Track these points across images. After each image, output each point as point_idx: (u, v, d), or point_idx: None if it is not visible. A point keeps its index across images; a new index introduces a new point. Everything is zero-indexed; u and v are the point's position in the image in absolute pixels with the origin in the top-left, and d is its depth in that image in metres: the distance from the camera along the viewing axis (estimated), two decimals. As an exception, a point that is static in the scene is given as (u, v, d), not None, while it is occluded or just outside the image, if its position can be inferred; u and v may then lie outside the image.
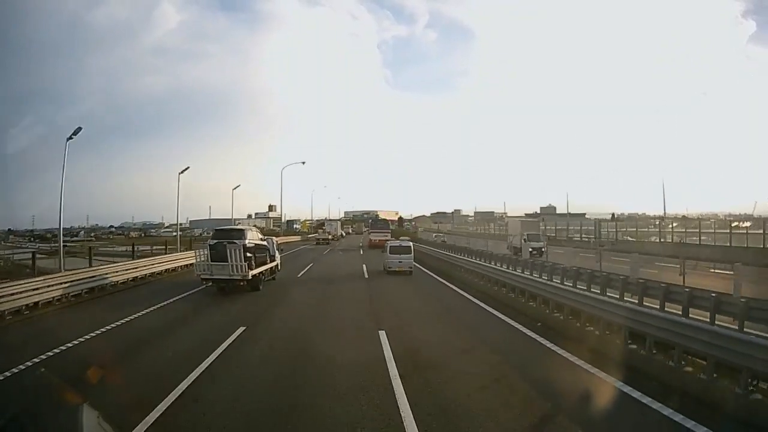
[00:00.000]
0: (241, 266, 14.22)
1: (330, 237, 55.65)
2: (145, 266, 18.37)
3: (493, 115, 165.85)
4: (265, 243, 17.13)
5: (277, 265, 18.58)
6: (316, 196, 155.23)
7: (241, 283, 14.51)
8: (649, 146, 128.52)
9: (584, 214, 61.14)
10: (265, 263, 16.63)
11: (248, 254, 14.81)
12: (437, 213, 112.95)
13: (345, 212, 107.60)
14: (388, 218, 77.94)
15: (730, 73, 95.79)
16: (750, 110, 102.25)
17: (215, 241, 15.15)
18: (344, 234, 71.07)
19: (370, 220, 68.38)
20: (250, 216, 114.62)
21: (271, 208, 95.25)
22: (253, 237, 15.91)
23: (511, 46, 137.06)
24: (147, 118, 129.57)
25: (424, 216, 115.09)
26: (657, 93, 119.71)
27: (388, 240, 28.16)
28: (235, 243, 14.59)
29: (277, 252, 18.74)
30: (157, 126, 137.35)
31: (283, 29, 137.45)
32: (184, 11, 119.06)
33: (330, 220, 76.22)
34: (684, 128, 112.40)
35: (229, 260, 14.24)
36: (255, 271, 14.97)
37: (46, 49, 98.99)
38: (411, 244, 23.02)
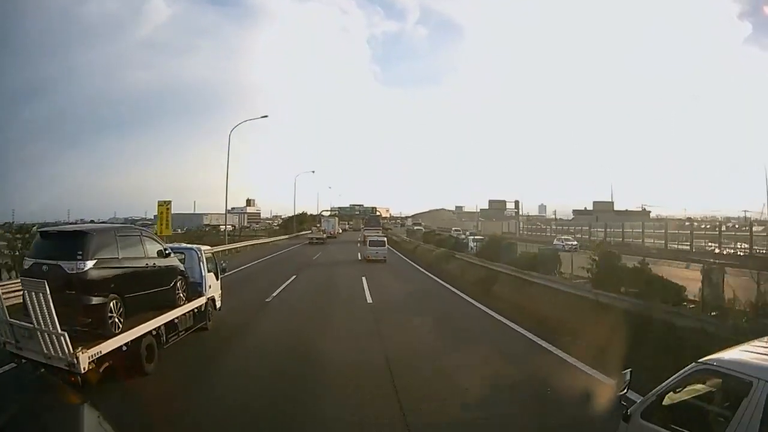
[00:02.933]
0: (57, 340, 5.14)
1: (325, 235, 46.59)
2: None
3: (482, 111, 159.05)
4: (171, 262, 7.92)
5: (211, 300, 9.54)
6: (302, 189, 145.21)
7: (73, 379, 5.39)
8: (642, 146, 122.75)
9: (649, 212, 50.70)
10: (172, 305, 7.56)
11: (95, 298, 5.75)
12: (433, 210, 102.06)
13: (331, 206, 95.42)
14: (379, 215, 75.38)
15: (727, 74, 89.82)
16: (747, 111, 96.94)
17: (31, 261, 6.07)
18: (341, 230, 62.92)
19: (365, 218, 67.26)
20: (229, 211, 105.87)
21: (248, 202, 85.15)
22: (121, 251, 6.46)
23: (502, 43, 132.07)
24: (136, 113, 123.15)
25: (423, 212, 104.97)
26: (651, 93, 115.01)
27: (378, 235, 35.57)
28: (59, 268, 5.55)
29: (209, 276, 9.51)
30: (148, 121, 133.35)
31: (273, 23, 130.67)
32: (174, 5, 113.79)
33: (326, 216, 66.92)
34: (679, 129, 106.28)
35: (34, 320, 5.18)
36: (115, 343, 5.86)
37: (34, 43, 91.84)
38: (385, 239, 28.47)
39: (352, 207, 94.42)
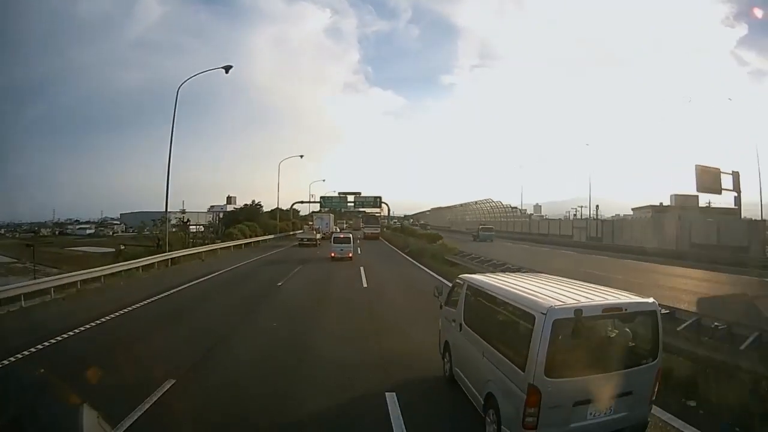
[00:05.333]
0: None
1: (319, 236, 39.14)
2: None
3: (473, 110, 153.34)
4: None
5: None
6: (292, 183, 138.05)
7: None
8: (636, 147, 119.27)
9: (737, 208, 40.41)
10: None
11: None
12: (468, 203, 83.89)
13: (311, 196, 70.63)
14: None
15: (720, 76, 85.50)
16: (741, 113, 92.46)
17: None
18: (338, 229, 52.59)
19: (361, 216, 66.30)
20: (208, 210, 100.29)
21: (229, 200, 77.61)
22: None
23: (497, 42, 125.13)
24: (123, 112, 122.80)
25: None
26: (647, 95, 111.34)
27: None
28: None
29: None
30: (140, 120, 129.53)
31: (264, 21, 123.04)
32: (166, 4, 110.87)
33: (319, 212, 58.54)
34: (675, 130, 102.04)
35: None
36: None
37: (23, 43, 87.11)
38: (351, 236, 28.32)
39: (342, 197, 63.94)
